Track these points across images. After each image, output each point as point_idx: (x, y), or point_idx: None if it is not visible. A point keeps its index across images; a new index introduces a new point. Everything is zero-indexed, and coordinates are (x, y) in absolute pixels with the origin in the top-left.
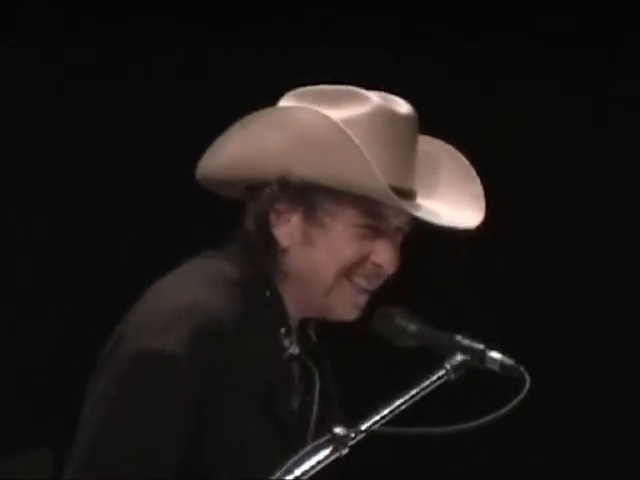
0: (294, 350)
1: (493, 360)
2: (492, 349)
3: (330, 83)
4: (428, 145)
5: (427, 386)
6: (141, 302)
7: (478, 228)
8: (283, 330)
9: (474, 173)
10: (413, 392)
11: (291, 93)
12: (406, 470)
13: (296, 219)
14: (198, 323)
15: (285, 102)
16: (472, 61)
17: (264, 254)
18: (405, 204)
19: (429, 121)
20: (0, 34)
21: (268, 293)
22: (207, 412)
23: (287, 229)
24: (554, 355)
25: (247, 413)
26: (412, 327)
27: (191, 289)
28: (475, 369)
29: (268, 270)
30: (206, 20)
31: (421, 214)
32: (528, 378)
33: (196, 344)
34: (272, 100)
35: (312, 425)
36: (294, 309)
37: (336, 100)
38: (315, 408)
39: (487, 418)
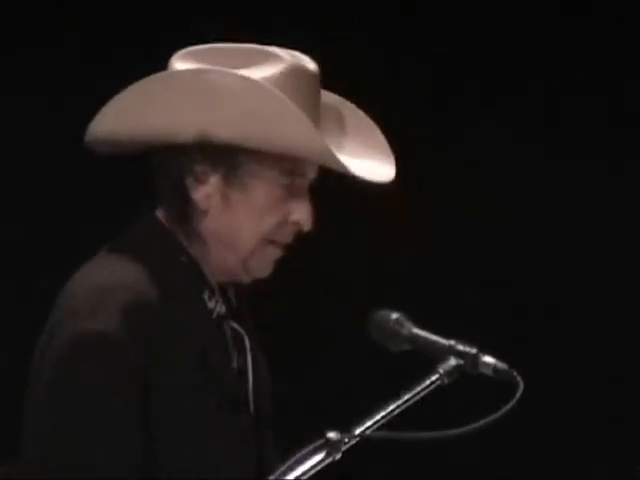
0: (221, 309)
1: (486, 364)
2: (485, 353)
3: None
4: (329, 99)
5: (420, 390)
6: (63, 293)
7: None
8: (206, 292)
9: (375, 126)
10: (406, 397)
11: (181, 53)
12: (399, 475)
13: (215, 181)
14: (123, 299)
15: (180, 64)
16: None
17: (179, 217)
18: (339, 160)
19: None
20: None
21: (183, 259)
22: (148, 382)
23: (205, 191)
24: (549, 358)
25: (186, 379)
26: (406, 331)
27: (109, 268)
28: (468, 373)
29: (181, 235)
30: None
31: (343, 168)
32: (521, 382)
33: (125, 319)
34: None
35: (250, 386)
36: (212, 272)
37: (244, 59)
38: (250, 369)
39: (480, 423)
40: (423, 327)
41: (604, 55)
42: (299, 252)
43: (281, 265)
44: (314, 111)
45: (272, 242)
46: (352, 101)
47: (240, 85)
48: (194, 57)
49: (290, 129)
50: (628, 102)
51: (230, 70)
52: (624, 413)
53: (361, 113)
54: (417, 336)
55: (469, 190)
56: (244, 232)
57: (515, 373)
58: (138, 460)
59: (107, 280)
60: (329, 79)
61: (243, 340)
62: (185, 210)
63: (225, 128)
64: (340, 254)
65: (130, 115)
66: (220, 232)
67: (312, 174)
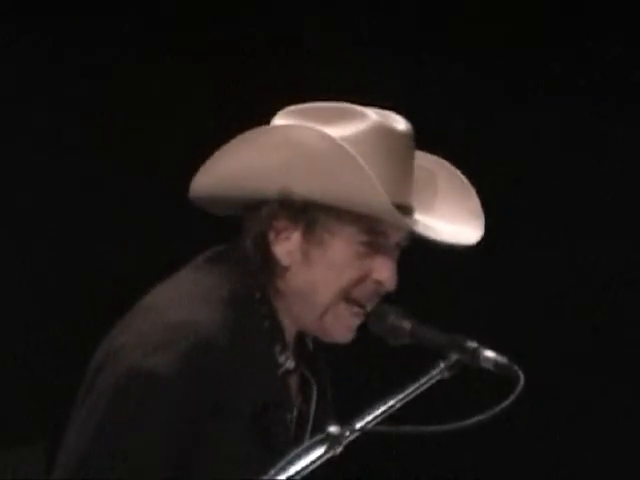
0: (290, 365)
1: (487, 359)
2: (486, 348)
3: (317, 99)
4: (424, 160)
5: (421, 385)
6: (132, 318)
7: (477, 245)
8: (279, 346)
9: (471, 189)
10: (407, 391)
11: (284, 111)
12: (400, 468)
13: (296, 237)
14: (191, 343)
15: (279, 120)
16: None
17: (262, 272)
18: (406, 220)
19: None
20: None
21: (263, 310)
22: (198, 432)
23: (287, 247)
24: (549, 354)
25: (238, 432)
26: (406, 326)
27: (184, 307)
28: (469, 367)
29: (264, 287)
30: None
31: (422, 230)
32: (522, 376)
33: (188, 364)
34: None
35: (308, 436)
36: (289, 325)
37: (333, 117)
38: (311, 419)
39: (481, 416)
40: (423, 321)
41: None
42: None
43: None
44: (398, 170)
45: (351, 300)
46: None
47: (317, 142)
48: (292, 114)
49: (355, 188)
50: None
51: (312, 127)
52: (626, 409)
53: (458, 175)
54: (417, 330)
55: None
56: (322, 286)
57: (516, 367)
58: None
59: (181, 320)
60: None
61: (311, 389)
62: (267, 264)
63: (303, 184)
64: None
65: (222, 171)
66: (299, 288)
67: (396, 235)
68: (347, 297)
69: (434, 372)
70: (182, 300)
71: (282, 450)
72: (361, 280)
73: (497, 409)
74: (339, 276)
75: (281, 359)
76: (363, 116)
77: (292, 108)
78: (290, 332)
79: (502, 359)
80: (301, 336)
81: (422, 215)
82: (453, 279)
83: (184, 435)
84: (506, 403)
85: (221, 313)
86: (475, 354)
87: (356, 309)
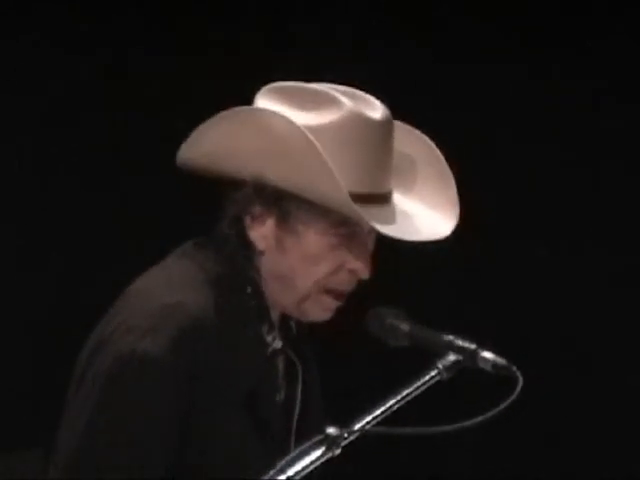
0: (277, 345)
1: (485, 360)
2: (484, 349)
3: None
4: (409, 140)
5: (419, 386)
6: (120, 306)
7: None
8: (266, 326)
9: (450, 175)
10: (405, 392)
11: (267, 88)
12: (399, 469)
13: (270, 224)
14: (180, 324)
15: (263, 98)
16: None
17: (240, 254)
18: (372, 212)
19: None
20: None
21: (249, 289)
22: (191, 412)
23: (261, 232)
24: (548, 355)
25: (230, 413)
26: (404, 327)
27: (172, 291)
28: (467, 369)
29: (245, 268)
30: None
31: (387, 229)
32: (520, 378)
33: (179, 345)
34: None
35: (295, 418)
36: (273, 306)
37: (309, 103)
38: (298, 401)
39: (479, 418)
40: (422, 323)
41: None
42: None
43: None
44: (371, 158)
45: (328, 290)
46: None
47: (286, 130)
48: (273, 94)
49: (315, 180)
50: None
51: (286, 111)
52: (625, 411)
53: (440, 158)
54: (416, 332)
55: (469, 189)
56: (298, 277)
57: (514, 368)
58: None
59: (169, 303)
60: None
61: (297, 370)
62: (244, 247)
63: (274, 174)
64: None
65: (203, 148)
66: (275, 273)
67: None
68: (324, 288)
69: (433, 373)
70: (169, 284)
71: (270, 430)
72: (336, 271)
73: (496, 410)
74: (314, 268)
75: (268, 339)
76: (338, 104)
77: (274, 86)
78: (275, 313)
79: (501, 360)
80: (285, 318)
81: (403, 198)
82: (452, 280)
83: (179, 415)
84: (505, 404)
85: (208, 295)
86: (473, 355)
87: (334, 294)
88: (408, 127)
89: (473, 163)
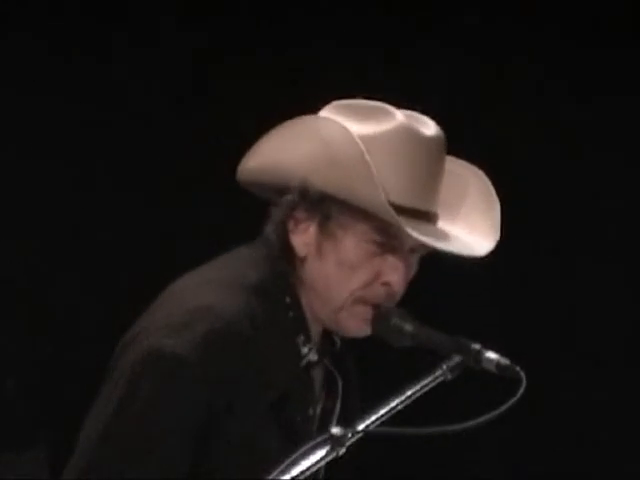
0: (312, 357)
1: (489, 360)
2: (488, 349)
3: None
4: (455, 165)
5: (424, 386)
6: (158, 303)
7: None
8: (302, 337)
9: (497, 202)
10: (410, 392)
11: (331, 104)
12: (403, 469)
13: (312, 229)
14: (212, 326)
15: (323, 112)
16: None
17: (282, 260)
18: (415, 226)
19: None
20: None
21: (288, 299)
22: (216, 416)
23: (303, 238)
24: (551, 355)
25: (257, 420)
26: (408, 327)
27: (209, 292)
28: (471, 369)
29: (287, 276)
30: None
31: (425, 238)
32: (524, 378)
33: (208, 347)
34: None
35: None
36: (313, 319)
37: (365, 115)
38: (335, 416)
39: (483, 418)
40: (426, 323)
41: None
42: None
43: None
44: (419, 174)
45: (362, 301)
46: None
47: (338, 136)
48: (335, 108)
49: (359, 184)
50: None
51: (342, 122)
52: (628, 412)
53: (488, 185)
54: (420, 332)
55: None
56: (333, 286)
57: (518, 369)
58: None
59: (204, 304)
60: None
61: (337, 384)
62: (285, 253)
63: (321, 177)
64: None
65: (261, 156)
66: (314, 281)
67: (411, 240)
68: (360, 299)
69: (436, 374)
70: (206, 285)
71: (299, 442)
72: (370, 282)
73: (499, 410)
74: (349, 276)
75: (304, 350)
76: (391, 116)
77: (338, 103)
78: (315, 326)
79: (504, 361)
80: (328, 332)
81: (446, 222)
82: (455, 281)
83: (202, 417)
84: (508, 404)
85: (245, 299)
86: (477, 356)
87: (371, 308)
88: (456, 159)
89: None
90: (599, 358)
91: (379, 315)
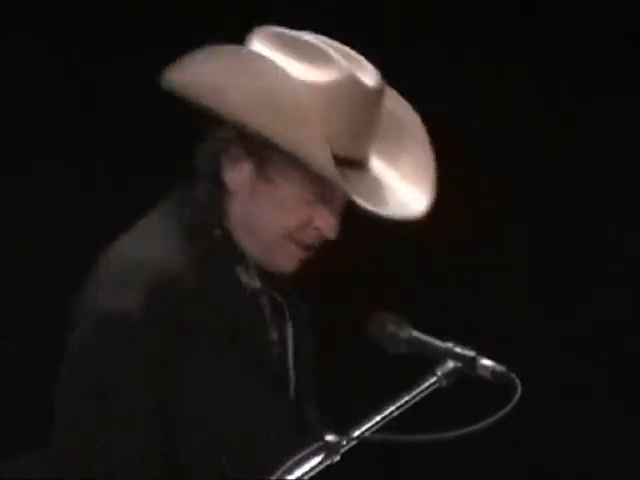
0: (255, 284)
1: (484, 367)
2: (483, 356)
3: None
4: (396, 106)
5: (419, 393)
6: (97, 264)
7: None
8: (241, 267)
9: (432, 153)
10: (405, 399)
11: (267, 30)
12: (398, 476)
13: (247, 168)
14: (150, 277)
15: (259, 41)
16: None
17: (211, 192)
18: (349, 177)
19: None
20: None
21: (218, 232)
22: (172, 357)
23: (238, 175)
24: (548, 362)
25: (218, 353)
26: (404, 334)
27: (139, 244)
28: (467, 376)
29: (215, 211)
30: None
31: (361, 199)
32: (519, 385)
33: (150, 298)
34: None
35: (290, 357)
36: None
37: (305, 55)
38: (290, 340)
39: (479, 425)
40: (421, 330)
41: None
42: None
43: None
44: (358, 124)
45: (293, 240)
46: None
47: (281, 83)
48: (270, 39)
49: (301, 137)
50: None
51: (286, 63)
52: (624, 416)
53: (423, 133)
54: (415, 339)
55: (470, 191)
56: (265, 224)
57: (513, 376)
58: (156, 440)
59: (136, 255)
60: None
61: (284, 311)
62: (216, 186)
63: (262, 121)
64: (341, 255)
65: (195, 76)
66: (245, 217)
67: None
68: (291, 238)
69: (432, 380)
70: (137, 239)
71: (269, 371)
72: (303, 226)
73: (495, 418)
74: (282, 219)
75: (245, 279)
76: (335, 64)
77: (270, 31)
78: (252, 255)
79: (499, 367)
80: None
81: (381, 166)
82: (453, 287)
83: (165, 365)
84: (504, 411)
85: (176, 241)
86: (473, 362)
87: (301, 245)
88: (396, 94)
89: (480, 165)
90: (599, 359)
91: (374, 322)
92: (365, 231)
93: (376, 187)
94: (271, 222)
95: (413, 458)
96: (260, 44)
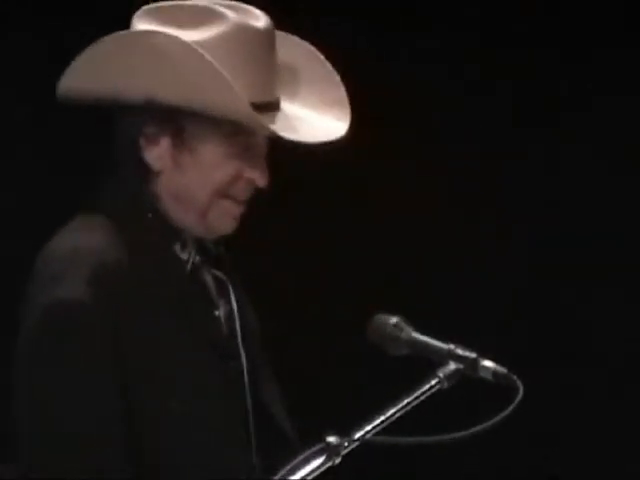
0: (195, 259)
1: (486, 368)
2: (485, 358)
3: None
4: (288, 47)
5: (420, 394)
6: (37, 261)
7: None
8: (178, 245)
9: (337, 76)
10: (406, 401)
11: (141, 11)
12: (399, 478)
13: (165, 143)
14: (88, 263)
15: (139, 21)
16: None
17: (137, 178)
18: (267, 119)
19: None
20: None
21: (150, 215)
22: (122, 341)
23: (157, 152)
24: (549, 364)
25: (161, 329)
26: (405, 335)
27: (76, 234)
28: (468, 377)
29: (142, 193)
30: None
31: (286, 133)
32: (521, 386)
33: (91, 283)
34: None
35: (238, 331)
36: (179, 226)
37: (190, 20)
38: (236, 314)
39: (480, 427)
40: (422, 331)
41: None
42: (299, 254)
43: (282, 268)
44: (259, 68)
45: (227, 197)
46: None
47: (178, 49)
48: (154, 16)
49: (213, 92)
50: None
51: (174, 32)
52: (624, 417)
53: (324, 62)
54: (416, 340)
55: (470, 193)
56: (196, 189)
57: (515, 377)
58: (119, 422)
59: (73, 246)
60: None
61: (227, 286)
62: (139, 170)
63: (166, 92)
64: (341, 257)
65: (88, 74)
66: (175, 191)
67: (265, 132)
68: (224, 195)
69: (433, 382)
70: (70, 231)
71: (219, 345)
72: (233, 180)
73: (496, 419)
74: (211, 178)
75: (184, 256)
76: (222, 17)
77: (149, 7)
78: (188, 233)
79: (501, 369)
80: (200, 241)
81: (291, 105)
82: (454, 288)
83: (120, 353)
84: (505, 413)
85: (112, 228)
86: (474, 364)
87: (235, 200)
88: (287, 34)
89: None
90: (598, 361)
91: (375, 323)
92: (365, 231)
93: (295, 122)
94: (200, 186)
95: (414, 460)
96: (144, 23)
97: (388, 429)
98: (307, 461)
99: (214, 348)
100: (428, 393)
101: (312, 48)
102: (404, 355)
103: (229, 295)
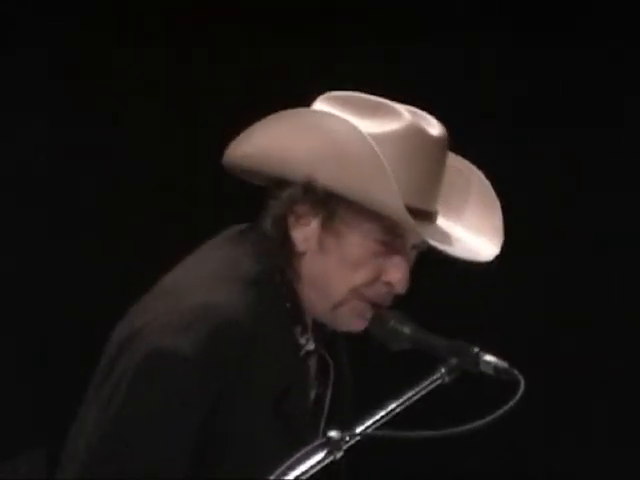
0: (310, 347)
1: (487, 363)
2: (486, 352)
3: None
4: (460, 165)
5: (422, 389)
6: (151, 301)
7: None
8: (299, 327)
9: (498, 204)
10: (407, 395)
11: (325, 96)
12: (400, 472)
13: (314, 225)
14: (212, 324)
15: (319, 105)
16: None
17: (279, 253)
18: (422, 227)
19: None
20: None
21: (283, 291)
22: (218, 415)
23: (304, 233)
24: (550, 359)
25: (258, 416)
26: (406, 330)
27: (205, 288)
28: (470, 372)
29: (283, 269)
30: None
31: (436, 242)
32: (522, 381)
33: (211, 346)
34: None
35: (323, 416)
36: (307, 310)
37: (369, 112)
38: (327, 400)
39: (482, 421)
40: (424, 326)
41: None
42: None
43: None
44: (425, 174)
45: (363, 299)
46: None
47: (348, 135)
48: (331, 101)
49: (374, 187)
50: None
51: (347, 118)
52: (625, 414)
53: (489, 187)
54: (418, 335)
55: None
56: (335, 281)
57: (516, 372)
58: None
59: (202, 302)
60: None
61: (329, 370)
62: (284, 246)
63: (329, 175)
64: None
65: (254, 145)
66: (313, 276)
67: (415, 238)
68: (360, 295)
69: (434, 376)
70: (202, 281)
71: (298, 432)
72: (373, 280)
73: (498, 413)
74: (351, 273)
75: (302, 340)
76: (398, 115)
77: (333, 94)
78: (309, 316)
79: (502, 364)
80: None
81: (446, 221)
82: (454, 283)
83: (204, 415)
84: (506, 408)
85: (242, 294)
86: (475, 359)
87: (370, 306)
88: (456, 155)
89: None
90: (598, 359)
91: (377, 318)
92: None
93: (444, 235)
94: (339, 279)
95: (416, 454)
96: (323, 105)
97: (390, 423)
98: (308, 455)
99: (296, 432)
100: (429, 388)
101: (480, 173)
102: (406, 350)
103: (328, 378)
